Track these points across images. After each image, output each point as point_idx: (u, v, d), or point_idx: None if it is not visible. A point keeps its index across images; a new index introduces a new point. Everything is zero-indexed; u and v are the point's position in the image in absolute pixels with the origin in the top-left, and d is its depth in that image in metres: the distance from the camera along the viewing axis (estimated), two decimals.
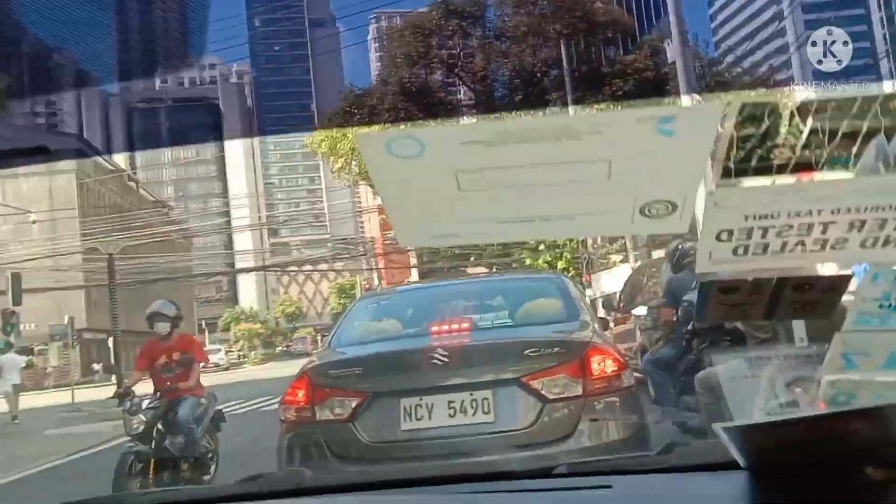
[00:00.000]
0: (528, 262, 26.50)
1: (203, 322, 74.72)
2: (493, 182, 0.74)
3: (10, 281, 20.95)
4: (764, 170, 0.75)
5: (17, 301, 20.65)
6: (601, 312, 10.77)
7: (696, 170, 0.72)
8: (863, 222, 0.80)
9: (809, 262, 0.84)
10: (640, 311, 7.88)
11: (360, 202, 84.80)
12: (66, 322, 26.21)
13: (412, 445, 3.54)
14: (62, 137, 57.31)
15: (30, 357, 42.38)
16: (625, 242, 25.14)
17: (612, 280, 21.72)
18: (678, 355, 6.15)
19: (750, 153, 0.74)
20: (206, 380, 6.76)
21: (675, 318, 6.31)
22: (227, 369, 44.70)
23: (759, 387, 0.96)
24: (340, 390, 3.72)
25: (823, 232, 0.81)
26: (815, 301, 0.96)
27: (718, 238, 0.80)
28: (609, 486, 1.24)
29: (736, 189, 0.77)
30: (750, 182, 0.77)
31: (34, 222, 34.52)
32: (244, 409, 16.06)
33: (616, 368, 3.74)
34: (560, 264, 24.82)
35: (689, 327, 5.80)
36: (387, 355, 4.03)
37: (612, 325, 10.46)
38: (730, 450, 1.04)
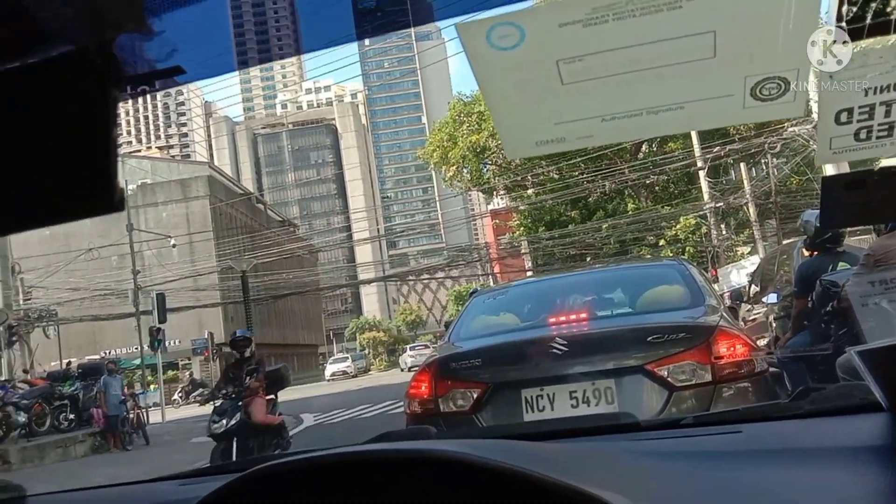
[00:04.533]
0: (648, 257, 25.77)
1: (331, 332, 77.93)
2: (596, 70, 0.71)
3: (156, 301, 22.76)
4: (881, 26, 0.65)
5: (162, 319, 22.42)
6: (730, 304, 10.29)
7: (807, 33, 0.65)
8: None
9: None
10: (772, 298, 7.42)
11: (472, 209, 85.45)
12: (206, 337, 28.08)
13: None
14: (195, 166, 61.48)
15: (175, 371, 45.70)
16: (752, 233, 23.90)
17: (739, 274, 20.70)
18: (815, 343, 5.75)
19: (865, 7, 0.64)
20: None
21: (810, 304, 5.90)
22: (354, 377, 46.49)
23: None
24: (462, 382, 3.73)
25: None
26: None
27: (837, 120, 0.72)
28: (739, 431, 1.19)
29: (852, 54, 0.67)
30: (867, 44, 0.67)
31: (174, 246, 37.21)
32: (372, 413, 16.59)
33: (746, 352, 3.56)
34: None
35: (828, 309, 5.39)
36: (506, 346, 4.02)
37: (741, 316, 9.96)
38: (871, 387, 0.97)
